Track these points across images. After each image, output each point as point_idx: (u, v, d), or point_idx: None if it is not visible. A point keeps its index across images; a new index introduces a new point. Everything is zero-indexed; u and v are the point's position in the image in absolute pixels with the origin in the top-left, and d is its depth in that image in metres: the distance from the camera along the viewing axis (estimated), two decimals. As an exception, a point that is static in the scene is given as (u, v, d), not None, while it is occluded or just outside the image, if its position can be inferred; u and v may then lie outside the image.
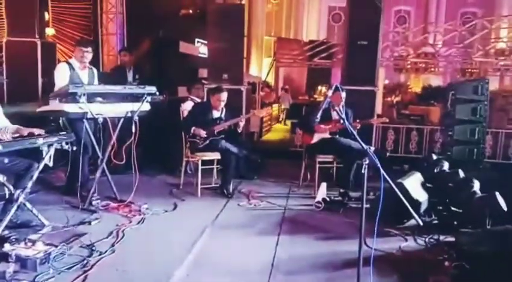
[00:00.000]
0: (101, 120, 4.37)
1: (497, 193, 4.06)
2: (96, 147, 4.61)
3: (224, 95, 5.32)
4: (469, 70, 20.75)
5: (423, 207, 4.42)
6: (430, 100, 16.00)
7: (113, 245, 3.54)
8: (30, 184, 3.73)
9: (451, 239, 3.79)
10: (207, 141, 5.22)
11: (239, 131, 5.39)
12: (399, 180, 4.29)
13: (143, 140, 4.71)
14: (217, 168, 5.64)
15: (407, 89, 22.94)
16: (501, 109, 12.38)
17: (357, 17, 6.51)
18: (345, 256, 3.49)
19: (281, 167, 6.71)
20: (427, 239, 3.93)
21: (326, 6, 29.46)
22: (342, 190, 5.11)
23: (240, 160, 5.49)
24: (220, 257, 3.50)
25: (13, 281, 2.86)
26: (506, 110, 12.86)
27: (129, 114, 4.56)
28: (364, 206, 2.68)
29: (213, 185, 5.51)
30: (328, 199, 4.90)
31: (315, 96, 19.35)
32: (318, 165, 5.46)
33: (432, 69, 22.92)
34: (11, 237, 3.27)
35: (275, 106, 15.12)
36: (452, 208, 4.44)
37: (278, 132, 13.13)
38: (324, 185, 5.22)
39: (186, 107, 5.75)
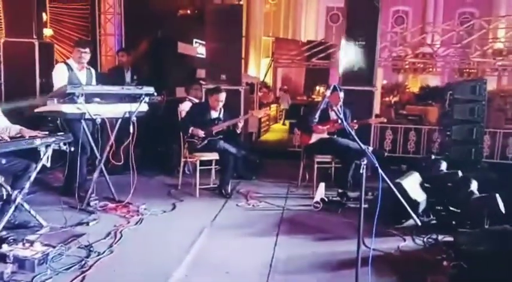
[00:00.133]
0: (99, 120, 4.37)
1: (496, 195, 4.06)
2: (94, 147, 4.61)
3: (222, 96, 5.32)
4: (467, 70, 20.79)
5: (421, 207, 4.42)
6: (428, 100, 16.03)
7: (111, 246, 3.54)
8: (28, 185, 3.72)
9: (450, 238, 3.80)
10: (205, 142, 5.22)
11: (238, 132, 5.39)
12: (397, 180, 4.30)
13: (141, 140, 4.71)
14: (215, 168, 5.64)
15: (405, 89, 22.98)
16: (499, 109, 12.42)
17: (355, 17, 6.51)
18: (344, 256, 3.49)
19: (279, 167, 6.71)
20: (425, 239, 3.94)
21: (324, 6, 29.53)
22: (340, 190, 5.11)
23: (238, 160, 5.49)
24: (218, 257, 3.50)
25: (11, 281, 2.86)
26: (504, 110, 12.90)
27: (127, 115, 4.56)
28: (363, 206, 2.68)
29: (212, 186, 5.50)
30: (326, 199, 4.90)
31: (313, 96, 19.36)
32: (316, 166, 5.46)
33: (430, 69, 22.97)
34: (9, 238, 3.26)
35: (273, 106, 15.12)
36: (451, 208, 4.44)
37: (276, 132, 13.13)
38: (322, 185, 5.22)
39: (184, 107, 5.75)
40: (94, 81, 4.99)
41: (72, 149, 3.97)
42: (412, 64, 21.06)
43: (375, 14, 6.42)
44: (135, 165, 4.57)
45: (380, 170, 2.73)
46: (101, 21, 10.20)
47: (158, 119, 6.25)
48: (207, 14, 7.14)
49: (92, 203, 4.47)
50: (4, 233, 3.49)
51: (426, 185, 4.80)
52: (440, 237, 3.94)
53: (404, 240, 3.95)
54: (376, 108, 8.63)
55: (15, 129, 3.69)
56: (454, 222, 4.20)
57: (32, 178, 3.74)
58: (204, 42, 8.60)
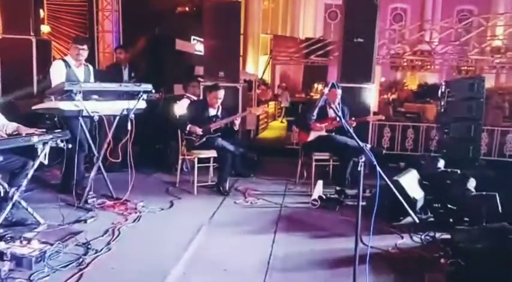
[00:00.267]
0: (96, 118, 4.35)
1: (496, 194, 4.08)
2: (92, 145, 4.60)
3: (221, 93, 5.32)
4: (465, 68, 20.81)
5: (419, 204, 4.43)
6: (426, 98, 16.03)
7: (108, 243, 3.53)
8: (25, 182, 3.71)
9: (447, 236, 3.80)
10: (203, 139, 5.22)
11: (235, 129, 5.39)
12: (395, 178, 4.30)
13: (139, 138, 4.69)
14: (213, 166, 5.63)
15: (403, 86, 22.97)
16: (497, 107, 12.44)
17: (353, 14, 6.50)
18: (341, 254, 3.49)
19: (277, 165, 6.71)
20: (423, 237, 3.95)
21: (322, 3, 29.43)
22: (338, 188, 5.11)
23: (236, 158, 5.48)
24: (216, 254, 3.50)
25: (8, 279, 2.85)
26: (502, 107, 12.92)
27: (125, 112, 4.55)
28: (360, 203, 2.68)
29: (210, 183, 5.49)
30: (324, 197, 4.90)
31: (312, 94, 19.37)
32: (314, 163, 5.46)
33: (428, 66, 22.97)
34: (6, 236, 3.26)
35: (271, 104, 15.12)
36: (449, 205, 4.45)
37: (274, 130, 13.13)
38: (320, 182, 5.21)
39: (183, 104, 5.73)
40: (92, 79, 4.97)
41: (70, 146, 3.96)
42: (410, 61, 21.11)
43: (373, 11, 6.41)
44: (133, 163, 4.56)
45: (378, 168, 2.72)
46: (99, 18, 10.19)
47: (156, 117, 6.23)
48: (205, 11, 7.12)
49: (89, 201, 4.46)
50: (1, 230, 3.48)
51: (424, 182, 4.80)
52: (438, 234, 3.95)
53: (402, 237, 3.95)
54: (374, 106, 8.63)
55: (13, 126, 3.68)
56: (451, 220, 4.20)
57: (29, 175, 3.73)
58: (202, 40, 8.60)
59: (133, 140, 4.54)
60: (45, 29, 9.81)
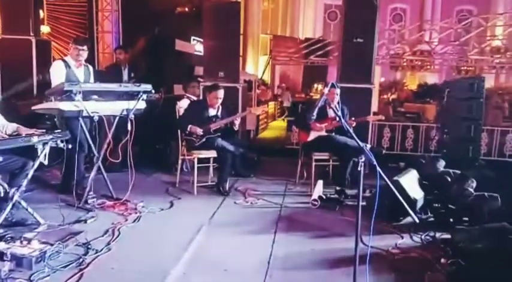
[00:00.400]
0: (96, 118, 4.35)
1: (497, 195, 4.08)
2: (92, 145, 4.60)
3: (221, 93, 5.32)
4: (465, 68, 20.81)
5: (419, 204, 4.43)
6: (425, 98, 16.02)
7: (108, 244, 3.53)
8: (25, 182, 3.71)
9: (447, 236, 3.81)
10: (203, 139, 5.22)
11: (235, 129, 5.39)
12: (395, 178, 4.30)
13: (139, 138, 4.69)
14: (213, 166, 5.63)
15: (403, 86, 22.93)
16: (496, 107, 12.43)
17: (352, 14, 6.50)
18: (341, 253, 3.50)
19: (277, 165, 6.71)
20: (423, 236, 3.95)
21: (322, 4, 29.42)
22: (338, 188, 5.11)
23: (236, 158, 5.48)
24: (216, 255, 3.50)
25: (8, 279, 2.85)
26: (502, 107, 12.90)
27: (125, 112, 4.55)
28: (360, 203, 2.68)
29: (210, 183, 5.50)
30: (324, 197, 4.90)
31: (311, 94, 19.35)
32: (314, 163, 5.46)
33: (428, 67, 22.96)
34: (6, 236, 3.26)
35: (271, 104, 15.12)
36: (449, 205, 4.45)
37: (274, 130, 13.11)
38: (320, 182, 5.22)
39: (182, 105, 5.74)
40: (92, 79, 4.97)
41: (70, 146, 3.96)
42: (410, 62, 21.10)
43: (373, 12, 6.41)
44: (133, 163, 4.56)
45: (378, 168, 2.72)
46: (99, 18, 10.19)
47: (156, 117, 6.23)
48: (205, 12, 7.12)
49: (89, 201, 4.46)
50: (1, 230, 3.48)
51: (424, 182, 4.80)
52: (438, 234, 3.95)
53: (402, 237, 3.95)
54: (374, 106, 8.61)
55: (12, 127, 3.69)
56: (451, 220, 4.21)
57: (29, 176, 3.73)
58: (201, 40, 8.59)
59: (133, 140, 4.54)
60: (44, 29, 9.81)
